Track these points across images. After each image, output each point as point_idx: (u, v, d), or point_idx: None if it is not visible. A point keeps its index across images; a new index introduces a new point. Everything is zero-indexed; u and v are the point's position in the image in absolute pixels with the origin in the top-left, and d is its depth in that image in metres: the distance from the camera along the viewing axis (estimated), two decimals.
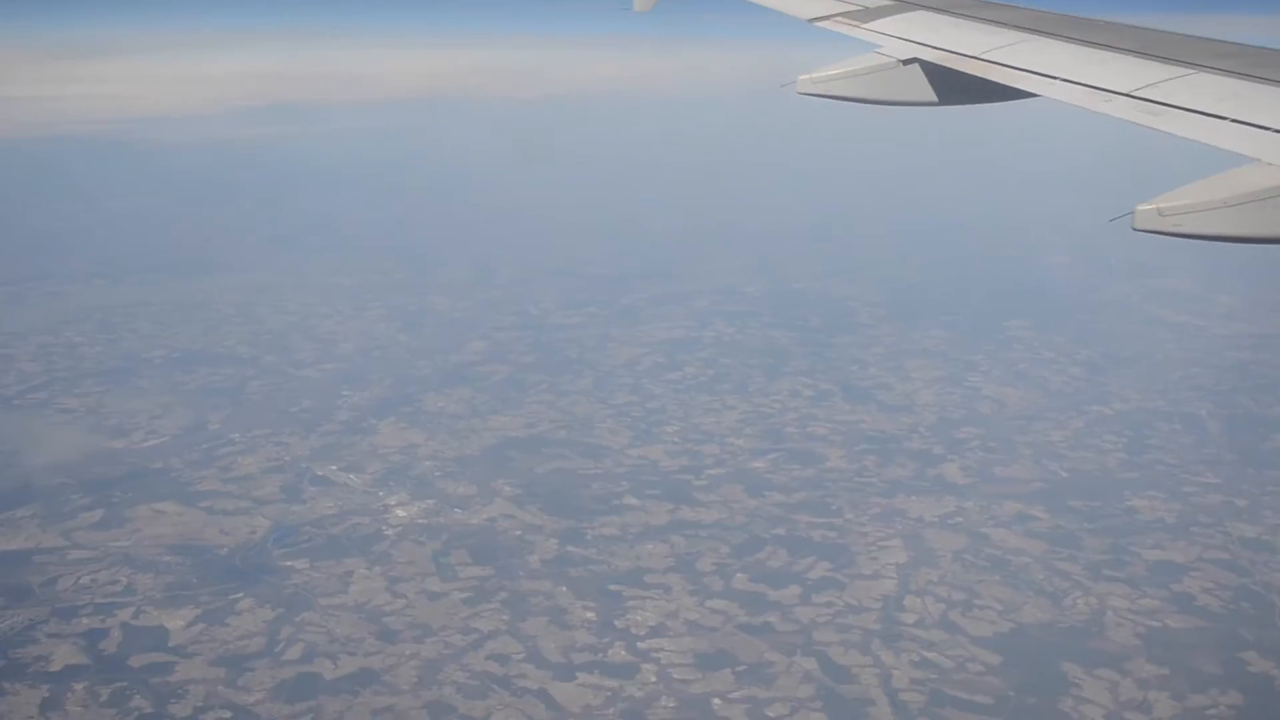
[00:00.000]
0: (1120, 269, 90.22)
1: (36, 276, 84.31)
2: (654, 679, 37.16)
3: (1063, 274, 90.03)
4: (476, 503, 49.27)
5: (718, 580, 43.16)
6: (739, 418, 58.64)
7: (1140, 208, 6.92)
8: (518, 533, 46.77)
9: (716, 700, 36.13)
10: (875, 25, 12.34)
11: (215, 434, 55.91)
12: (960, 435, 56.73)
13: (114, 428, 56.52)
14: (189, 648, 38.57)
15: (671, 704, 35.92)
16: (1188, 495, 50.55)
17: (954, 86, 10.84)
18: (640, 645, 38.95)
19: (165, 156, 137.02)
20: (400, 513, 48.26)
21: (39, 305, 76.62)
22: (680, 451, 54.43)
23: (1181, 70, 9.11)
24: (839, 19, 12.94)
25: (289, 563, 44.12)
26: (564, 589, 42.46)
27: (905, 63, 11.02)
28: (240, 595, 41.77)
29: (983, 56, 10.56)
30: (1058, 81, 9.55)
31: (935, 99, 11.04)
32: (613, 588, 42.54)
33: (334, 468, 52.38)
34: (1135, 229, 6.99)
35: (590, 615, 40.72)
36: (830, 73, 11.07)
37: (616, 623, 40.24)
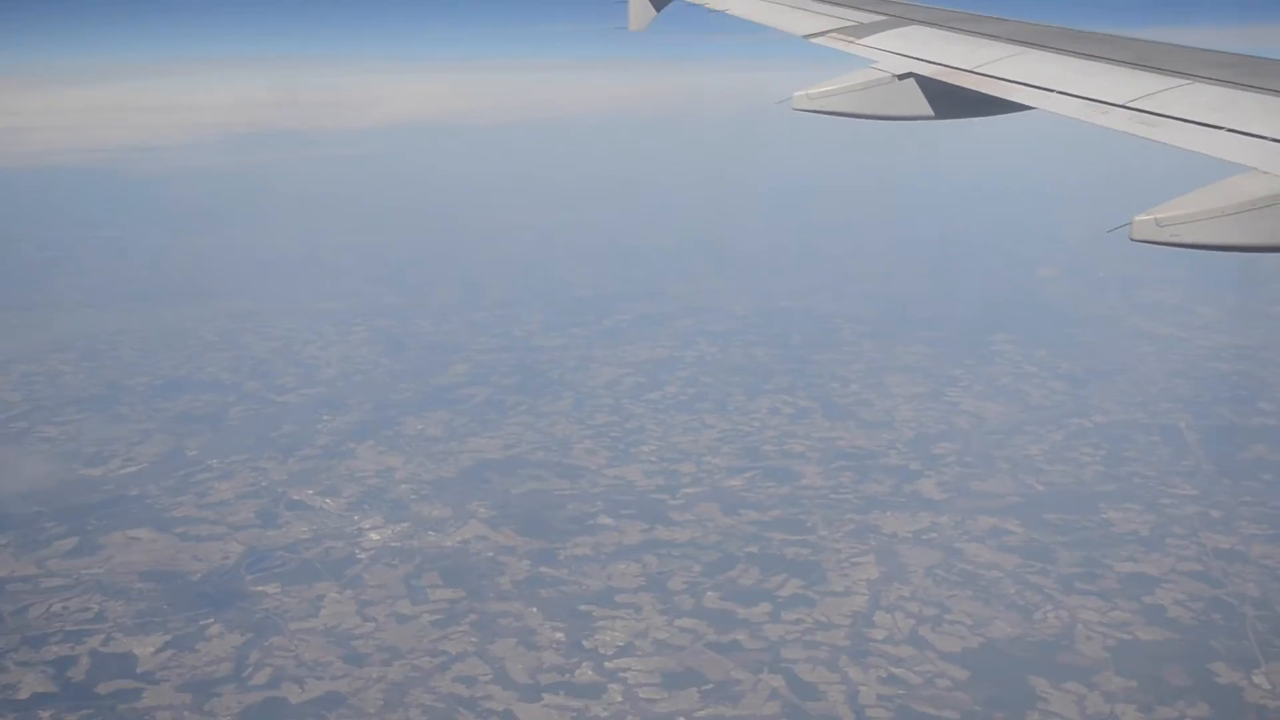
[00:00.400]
0: (1108, 281, 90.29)
1: (23, 305, 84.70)
2: (620, 699, 37.11)
3: (1050, 287, 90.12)
4: (451, 525, 49.31)
5: (688, 599, 43.12)
6: (717, 436, 58.66)
7: (1138, 218, 6.94)
8: (490, 554, 46.78)
9: (681, 719, 36.01)
10: (870, 41, 12.39)
11: (193, 460, 56.00)
12: (938, 451, 56.69)
13: (92, 455, 56.63)
14: (157, 674, 38.58)
15: None
16: (1163, 507, 50.46)
17: (950, 100, 10.84)
18: (608, 665, 38.91)
19: (155, 184, 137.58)
20: (374, 536, 48.29)
21: (25, 334, 76.88)
22: (657, 471, 54.45)
23: (1177, 81, 9.13)
24: (834, 35, 13.01)
25: (260, 588, 44.14)
26: (534, 610, 42.44)
27: (901, 77, 11.03)
28: (210, 621, 41.79)
29: (978, 70, 10.59)
30: (1054, 94, 9.59)
31: (932, 113, 11.02)
32: (583, 608, 42.51)
33: (310, 492, 52.44)
34: (1133, 239, 6.98)
35: (559, 636, 40.69)
36: (826, 89, 11.07)
37: (585, 643, 40.20)
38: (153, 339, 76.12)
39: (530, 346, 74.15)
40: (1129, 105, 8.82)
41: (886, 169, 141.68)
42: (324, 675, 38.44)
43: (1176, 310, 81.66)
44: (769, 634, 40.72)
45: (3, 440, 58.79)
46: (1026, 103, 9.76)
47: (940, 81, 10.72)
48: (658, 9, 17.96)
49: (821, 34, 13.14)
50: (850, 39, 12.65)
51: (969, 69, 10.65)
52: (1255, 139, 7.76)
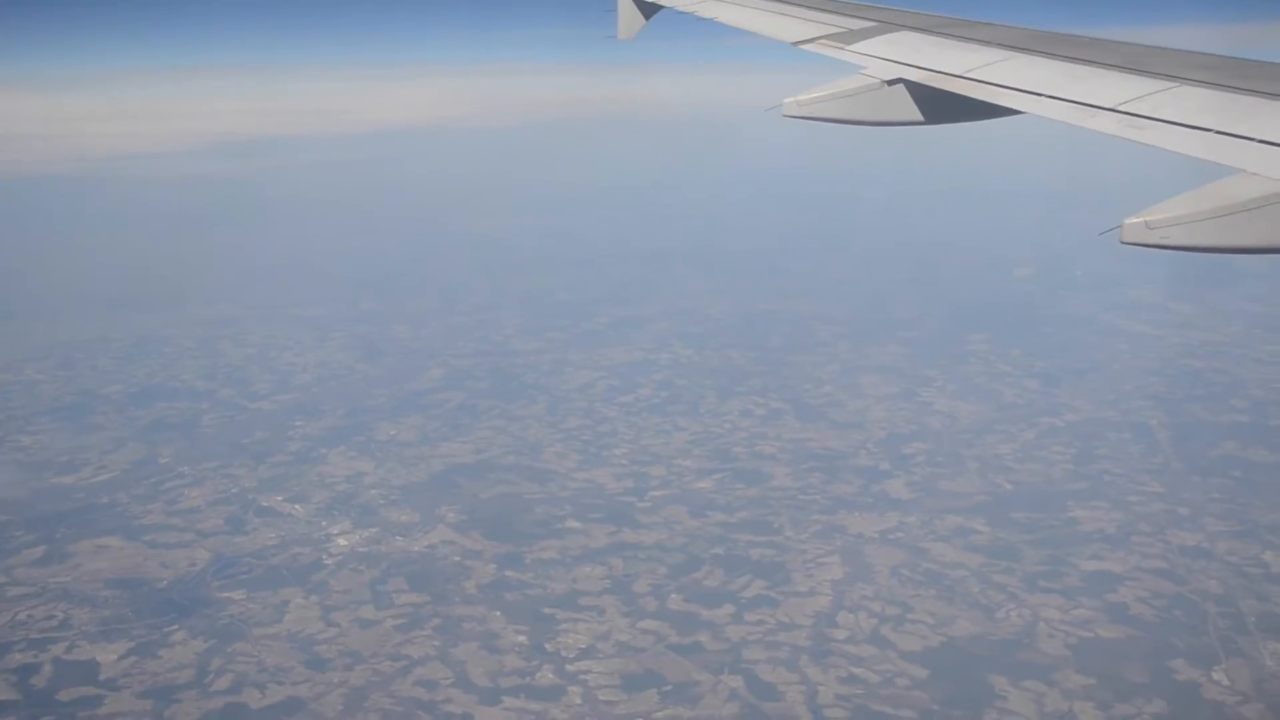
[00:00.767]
0: (1086, 281, 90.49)
1: (2, 316, 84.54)
2: (579, 701, 37.21)
3: (1027, 288, 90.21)
4: (419, 530, 49.39)
5: (652, 601, 43.22)
6: (688, 439, 58.77)
7: (1128, 221, 6.97)
8: (457, 559, 46.87)
9: None
10: (859, 47, 12.43)
11: (165, 468, 56.05)
12: (908, 451, 56.83)
13: (64, 464, 56.66)
14: (119, 681, 38.64)
15: None
16: (1131, 505, 50.60)
17: (940, 106, 10.88)
18: (569, 668, 39.00)
19: (143, 192, 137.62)
20: (341, 541, 48.37)
21: (1, 343, 76.78)
22: (626, 474, 54.54)
23: (1166, 84, 9.18)
24: (823, 41, 13.02)
25: (226, 594, 44.20)
26: (498, 613, 42.54)
27: (890, 83, 11.06)
28: (175, 628, 41.86)
29: (967, 75, 10.62)
30: (1043, 98, 9.64)
31: (921, 118, 11.06)
32: (547, 611, 42.60)
33: (280, 498, 52.51)
34: (1123, 242, 7.01)
35: (521, 639, 40.78)
36: (815, 95, 11.12)
37: (547, 646, 40.30)
38: (130, 347, 76.14)
39: (507, 351, 74.22)
40: (1118, 109, 8.88)
41: (874, 174, 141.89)
42: (285, 680, 38.49)
43: (1153, 309, 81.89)
44: (731, 635, 40.81)
45: None
46: (1016, 107, 9.84)
47: (929, 87, 10.78)
48: (647, 17, 17.98)
49: (811, 40, 13.20)
50: (839, 45, 12.71)
51: (958, 74, 10.71)
52: (1244, 141, 7.81)
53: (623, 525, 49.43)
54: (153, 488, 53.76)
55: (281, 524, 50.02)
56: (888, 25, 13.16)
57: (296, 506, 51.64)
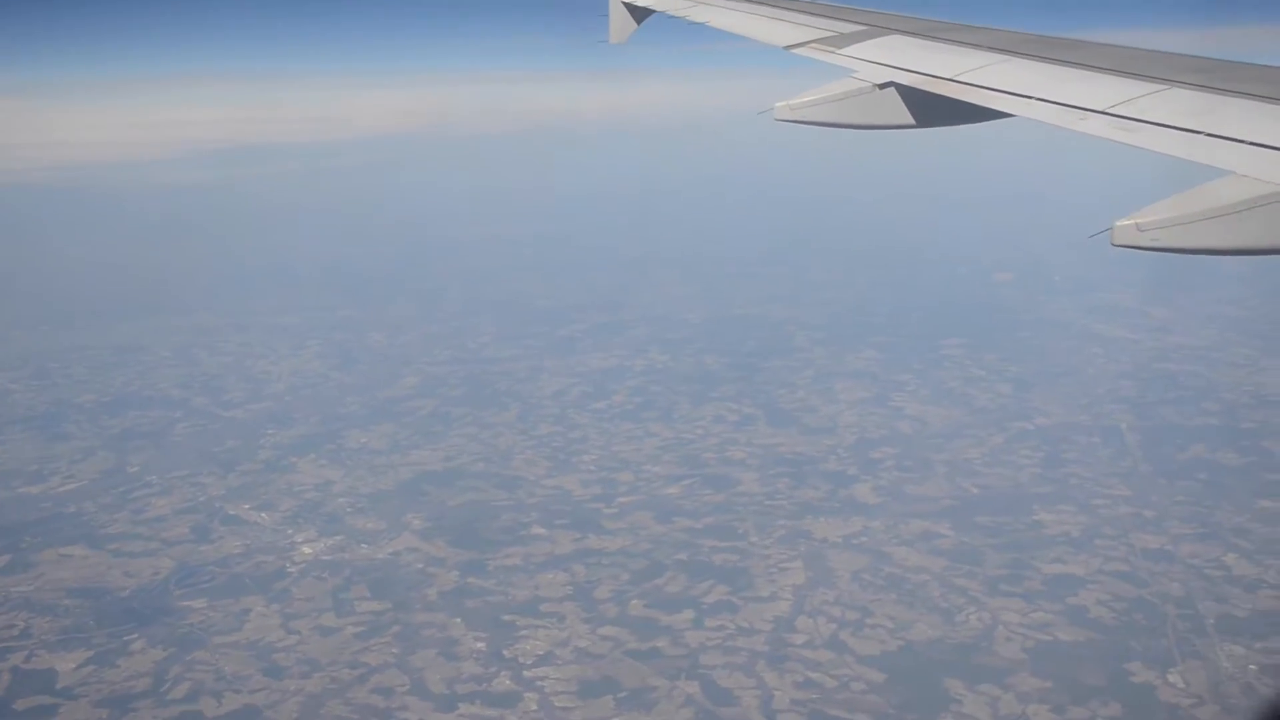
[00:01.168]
0: (1064, 285, 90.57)
1: None
2: (535, 707, 37.23)
3: (1007, 292, 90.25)
4: (384, 537, 49.40)
5: (613, 607, 43.24)
6: (659, 445, 58.80)
7: (1119, 223, 6.96)
8: (420, 566, 46.87)
9: None
10: (850, 50, 12.39)
11: (133, 477, 56.06)
12: (877, 456, 56.87)
13: (33, 474, 56.66)
14: (76, 690, 38.65)
15: None
16: (1096, 508, 50.63)
17: (930, 109, 10.84)
18: (526, 674, 39.01)
19: (125, 201, 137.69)
20: (306, 550, 48.37)
21: None
22: (595, 480, 54.57)
23: (1155, 86, 9.16)
24: (814, 45, 12.96)
25: (187, 603, 44.20)
26: (458, 620, 42.55)
27: (881, 87, 11.02)
28: (135, 636, 41.81)
29: (958, 78, 10.59)
30: (1033, 101, 9.62)
31: (912, 121, 11.00)
32: (507, 618, 42.60)
33: (246, 506, 52.51)
34: (1114, 245, 6.98)
35: (480, 646, 40.78)
36: (807, 99, 11.07)
37: (505, 653, 40.30)
38: (106, 355, 76.13)
39: (482, 358, 74.25)
40: (1108, 111, 8.86)
41: (863, 178, 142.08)
42: (242, 689, 38.50)
43: (1130, 313, 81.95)
44: (690, 641, 40.82)
45: None
46: (1006, 110, 9.82)
47: (920, 90, 10.74)
48: (638, 21, 17.94)
49: (802, 44, 13.12)
50: (831, 49, 12.67)
51: (949, 77, 10.67)
52: (1234, 143, 7.80)
53: (588, 532, 49.43)
54: (120, 497, 53.73)
55: (247, 532, 50.00)
56: (878, 29, 13.15)
57: (263, 515, 51.63)
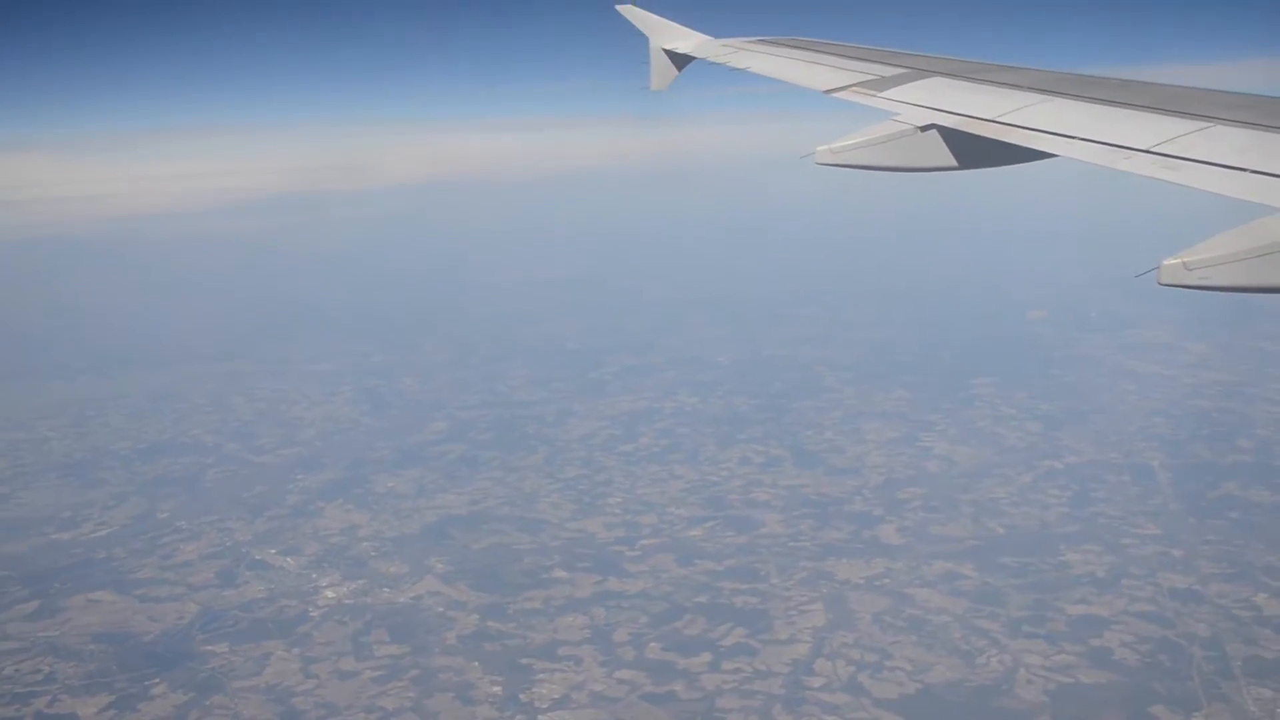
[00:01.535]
0: (1100, 324, 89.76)
1: (22, 373, 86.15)
2: None
3: (1040, 330, 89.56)
4: (406, 581, 49.61)
5: (630, 650, 43.13)
6: (684, 487, 58.73)
7: (1166, 262, 6.89)
8: (441, 610, 47.00)
9: None
10: (891, 94, 12.37)
11: (163, 523, 56.73)
12: (903, 496, 56.48)
13: (66, 520, 57.46)
14: None
15: None
16: (1125, 547, 49.96)
17: (973, 150, 10.82)
18: (541, 719, 38.89)
19: (165, 252, 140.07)
20: (329, 594, 48.65)
21: (19, 401, 78.34)
22: (618, 523, 54.59)
23: (1199, 124, 9.09)
24: (855, 89, 12.96)
25: (209, 647, 44.54)
26: (475, 664, 42.59)
27: (923, 129, 11.01)
28: (156, 681, 42.15)
29: (1000, 119, 10.58)
30: (1075, 140, 9.58)
31: (955, 163, 10.99)
32: (524, 661, 42.60)
33: (273, 551, 52.95)
34: (1161, 284, 6.91)
35: (496, 690, 40.79)
36: (848, 142, 11.06)
37: (522, 696, 40.28)
38: (143, 403, 77.26)
39: (511, 402, 74.62)
40: (1151, 150, 8.80)
41: (903, 219, 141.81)
42: None
43: (1166, 349, 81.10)
44: (706, 684, 40.61)
45: None
46: (1049, 150, 9.77)
47: (962, 132, 10.71)
48: (679, 68, 18.10)
49: (843, 89, 13.13)
50: (872, 92, 12.63)
51: (991, 119, 10.66)
52: None
53: (609, 574, 49.43)
54: (149, 542, 54.38)
55: (272, 577, 50.39)
56: (919, 71, 13.10)
57: (288, 559, 52.03)
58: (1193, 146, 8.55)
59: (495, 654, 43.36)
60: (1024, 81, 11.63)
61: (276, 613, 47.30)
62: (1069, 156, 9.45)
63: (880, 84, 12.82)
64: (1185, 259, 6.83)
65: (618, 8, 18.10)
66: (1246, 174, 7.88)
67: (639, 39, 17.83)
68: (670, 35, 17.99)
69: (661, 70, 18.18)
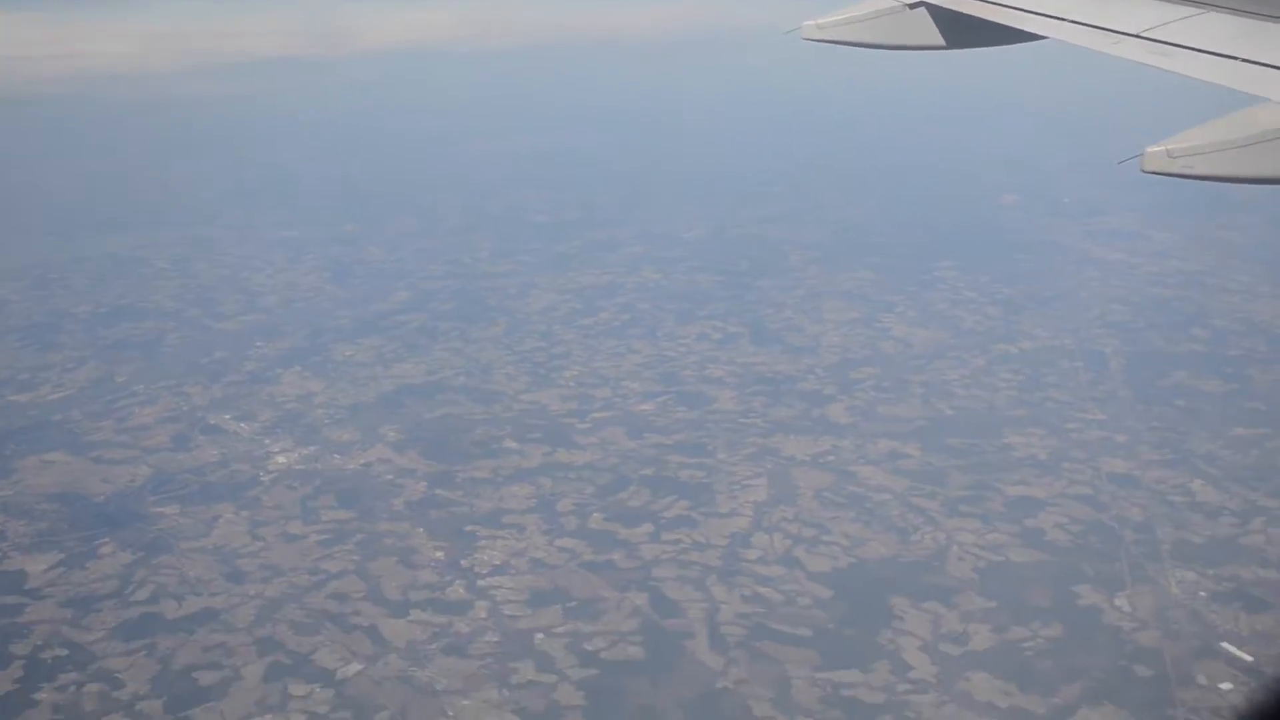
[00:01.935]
0: (1073, 210, 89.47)
1: None
2: (484, 615, 38.03)
3: (1011, 215, 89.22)
4: (358, 448, 50.13)
5: (573, 520, 43.88)
6: (640, 362, 59.05)
7: (1149, 149, 6.86)
8: (390, 477, 47.60)
9: (539, 635, 36.92)
10: None
11: (120, 386, 56.93)
12: (856, 376, 56.95)
13: (24, 382, 57.61)
14: (43, 590, 39.75)
15: (494, 639, 36.76)
16: (1069, 432, 50.65)
17: (961, 29, 10.67)
18: (480, 583, 39.77)
19: (135, 114, 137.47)
20: (281, 459, 49.18)
21: None
22: (572, 395, 54.99)
23: (1191, 10, 8.88)
24: None
25: (160, 509, 45.18)
26: (420, 530, 43.31)
27: (912, 6, 10.85)
28: (105, 541, 42.80)
29: None
30: (1066, 23, 9.43)
31: (943, 42, 10.82)
32: (468, 528, 43.35)
33: (227, 417, 53.32)
34: (1144, 171, 6.90)
35: (439, 555, 41.57)
36: (835, 18, 10.93)
37: (463, 562, 41.07)
38: (105, 267, 76.87)
39: (475, 273, 74.45)
40: (1142, 34, 8.65)
41: (883, 100, 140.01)
42: (203, 592, 39.49)
43: (1133, 236, 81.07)
44: (645, 554, 41.46)
45: None
46: (1038, 31, 9.66)
47: (952, 10, 10.56)
48: None
49: None
50: None
51: None
52: (1271, 69, 7.55)
53: (559, 446, 49.96)
54: (106, 405, 54.65)
55: (225, 442, 50.86)
56: None
57: (243, 425, 52.44)
58: (1183, 32, 8.47)
59: (440, 520, 44.09)
60: None
61: (228, 477, 47.86)
62: (1058, 39, 9.42)
63: None
64: (1169, 146, 6.87)
65: None
66: (1236, 62, 7.80)
67: None
68: None
69: None
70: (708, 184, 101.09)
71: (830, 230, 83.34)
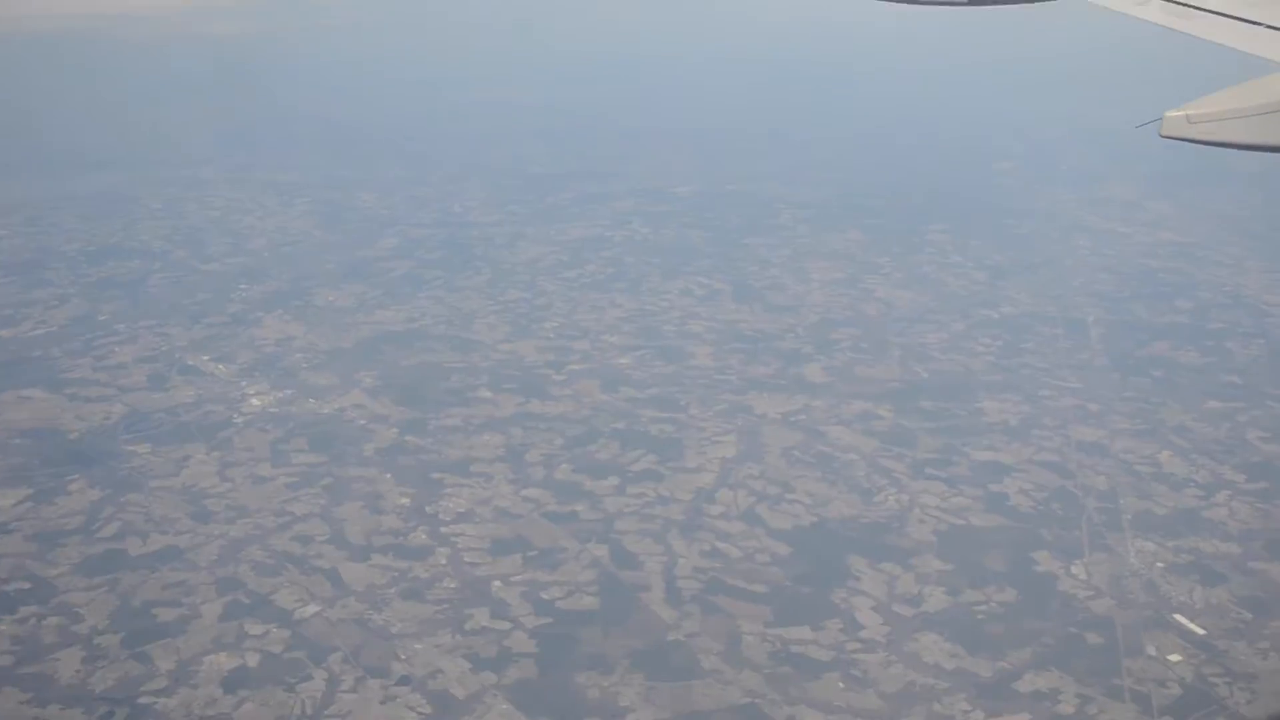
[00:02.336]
0: (1071, 177, 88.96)
1: None
2: (444, 561, 38.39)
3: (1006, 180, 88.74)
4: (333, 393, 50.37)
5: (540, 470, 44.14)
6: (621, 315, 59.10)
7: (1169, 114, 6.80)
8: (363, 423, 47.87)
9: (497, 582, 37.29)
10: None
11: (101, 324, 57.14)
12: (835, 336, 56.98)
13: (6, 318, 57.86)
14: (10, 524, 40.21)
15: (452, 585, 37.14)
16: (1042, 399, 50.75)
17: None
18: (443, 530, 40.12)
19: (147, 52, 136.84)
20: (255, 401, 49.45)
21: None
22: (550, 347, 55.12)
23: None
24: None
25: (131, 447, 45.51)
26: (388, 476, 43.62)
27: None
28: (75, 477, 43.17)
29: None
30: None
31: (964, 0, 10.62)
32: (436, 475, 43.65)
33: (206, 358, 53.56)
34: (1162, 136, 6.88)
35: (405, 501, 41.90)
36: None
37: (427, 509, 41.40)
38: (98, 206, 76.82)
39: (465, 222, 74.38)
40: None
41: (899, 59, 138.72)
42: (169, 530, 39.89)
43: (1129, 206, 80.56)
44: (609, 506, 41.74)
45: None
46: None
47: None
48: None
49: None
50: None
51: None
52: None
53: (532, 396, 50.14)
54: (86, 343, 54.89)
55: (202, 383, 51.13)
56: None
57: (220, 366, 52.70)
58: None
59: (409, 467, 44.39)
60: None
61: (201, 417, 48.17)
62: None
63: None
64: (1189, 112, 6.83)
65: None
66: (1260, 28, 7.78)
67: None
68: None
69: None
70: (707, 139, 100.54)
71: (827, 191, 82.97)
